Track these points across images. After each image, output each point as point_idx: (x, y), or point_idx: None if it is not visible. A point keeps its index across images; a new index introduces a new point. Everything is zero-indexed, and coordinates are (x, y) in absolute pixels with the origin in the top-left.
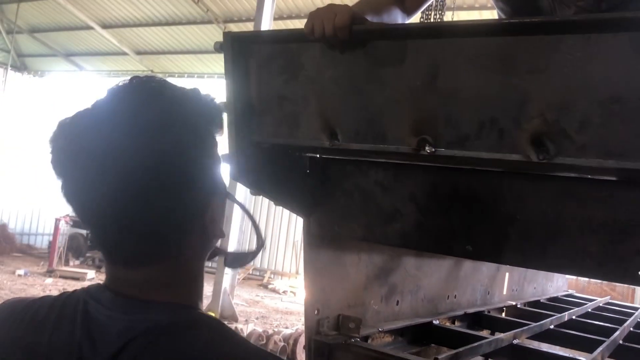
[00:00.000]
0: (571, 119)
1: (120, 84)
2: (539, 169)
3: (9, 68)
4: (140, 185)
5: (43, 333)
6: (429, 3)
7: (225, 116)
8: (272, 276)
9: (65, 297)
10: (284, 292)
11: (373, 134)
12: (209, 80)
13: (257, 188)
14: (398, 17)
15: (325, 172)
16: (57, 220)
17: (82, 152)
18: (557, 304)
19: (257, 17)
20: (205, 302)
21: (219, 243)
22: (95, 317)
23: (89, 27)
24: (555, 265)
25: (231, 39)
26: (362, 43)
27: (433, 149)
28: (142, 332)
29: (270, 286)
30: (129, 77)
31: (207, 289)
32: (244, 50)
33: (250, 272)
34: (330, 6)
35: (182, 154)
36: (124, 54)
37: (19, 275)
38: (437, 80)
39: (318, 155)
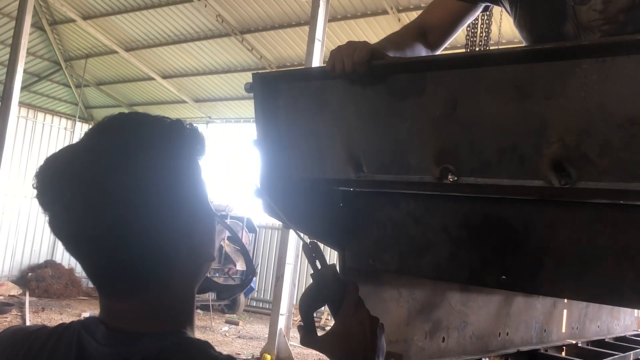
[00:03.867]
0: (591, 142)
1: (105, 119)
2: (565, 195)
3: (77, 119)
4: (122, 219)
5: None
6: (452, 38)
7: (256, 152)
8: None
9: (62, 329)
10: None
11: (397, 165)
12: None
13: (289, 222)
14: (422, 53)
15: (357, 205)
16: None
17: (66, 187)
18: (623, 344)
19: (307, 62)
20: (262, 344)
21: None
22: (89, 352)
23: (150, 78)
24: (591, 295)
25: (260, 79)
26: (381, 77)
27: (455, 178)
28: None
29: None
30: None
31: (263, 330)
32: (272, 89)
33: None
34: (350, 43)
35: (163, 184)
36: (183, 102)
37: (85, 318)
38: (457, 109)
39: (351, 189)
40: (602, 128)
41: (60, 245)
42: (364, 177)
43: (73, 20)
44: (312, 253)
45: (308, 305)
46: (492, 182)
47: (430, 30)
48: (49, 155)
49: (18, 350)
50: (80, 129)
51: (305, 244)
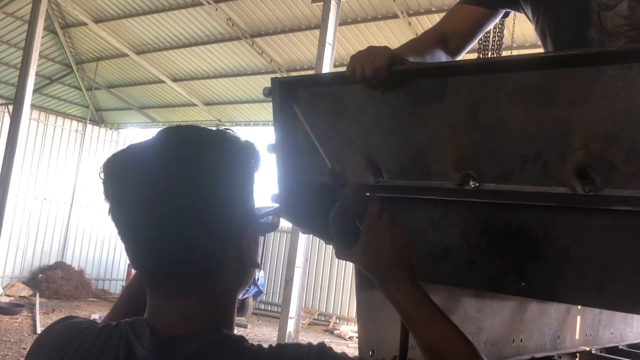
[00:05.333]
0: (616, 149)
1: (172, 127)
2: (589, 202)
3: (88, 122)
4: (186, 209)
5: None
6: (472, 44)
7: (274, 157)
8: (337, 321)
9: (111, 328)
10: (349, 337)
11: (417, 171)
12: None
13: (307, 227)
14: (442, 59)
15: None
16: (129, 266)
17: (129, 181)
18: (637, 351)
19: (317, 66)
20: None
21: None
22: (135, 354)
23: (161, 81)
24: (613, 303)
25: (278, 84)
26: (402, 82)
27: (477, 184)
28: None
29: (335, 332)
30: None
31: (272, 333)
32: (290, 94)
33: (316, 317)
34: (370, 48)
35: (226, 185)
36: (193, 105)
37: (94, 319)
38: (479, 115)
39: (368, 194)
40: (628, 135)
41: (70, 247)
42: (384, 182)
43: (85, 24)
44: (337, 175)
45: (337, 220)
46: (514, 188)
47: (450, 36)
48: (116, 152)
49: (69, 347)
50: (91, 132)
51: (328, 169)
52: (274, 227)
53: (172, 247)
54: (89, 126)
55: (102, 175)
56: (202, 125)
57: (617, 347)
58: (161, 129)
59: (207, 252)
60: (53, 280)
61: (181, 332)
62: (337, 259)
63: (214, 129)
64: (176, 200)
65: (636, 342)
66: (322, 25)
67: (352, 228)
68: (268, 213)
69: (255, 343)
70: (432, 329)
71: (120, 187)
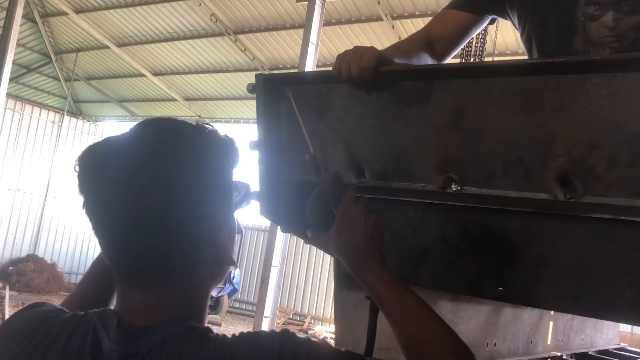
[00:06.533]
0: (598, 157)
1: (149, 120)
2: (569, 209)
3: (65, 113)
4: (164, 205)
5: (51, 353)
6: (458, 49)
7: (254, 155)
8: (312, 321)
9: (78, 318)
10: (324, 338)
11: (399, 172)
12: (255, 125)
13: (287, 225)
14: (428, 62)
15: None
16: None
17: (106, 174)
18: (606, 357)
19: (300, 65)
20: None
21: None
22: (101, 346)
23: (141, 75)
24: (589, 310)
25: (263, 81)
26: (387, 83)
27: (459, 187)
28: (142, 356)
29: (310, 331)
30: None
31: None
32: (275, 91)
33: (291, 317)
34: (357, 48)
35: (205, 182)
36: (173, 99)
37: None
38: (463, 119)
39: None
40: (610, 143)
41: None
42: (366, 183)
43: (65, 14)
44: (317, 161)
45: (314, 205)
46: (495, 193)
47: (436, 40)
48: (91, 144)
49: (34, 336)
50: (68, 123)
51: (309, 153)
52: (249, 199)
53: (147, 242)
54: (66, 118)
55: (77, 168)
56: (181, 119)
57: (587, 352)
58: (139, 121)
59: (183, 248)
60: (24, 273)
61: (148, 323)
62: (313, 260)
63: (193, 123)
64: (153, 195)
65: (605, 348)
66: (306, 25)
67: (328, 213)
68: (244, 198)
69: (221, 333)
70: (401, 307)
71: (96, 181)
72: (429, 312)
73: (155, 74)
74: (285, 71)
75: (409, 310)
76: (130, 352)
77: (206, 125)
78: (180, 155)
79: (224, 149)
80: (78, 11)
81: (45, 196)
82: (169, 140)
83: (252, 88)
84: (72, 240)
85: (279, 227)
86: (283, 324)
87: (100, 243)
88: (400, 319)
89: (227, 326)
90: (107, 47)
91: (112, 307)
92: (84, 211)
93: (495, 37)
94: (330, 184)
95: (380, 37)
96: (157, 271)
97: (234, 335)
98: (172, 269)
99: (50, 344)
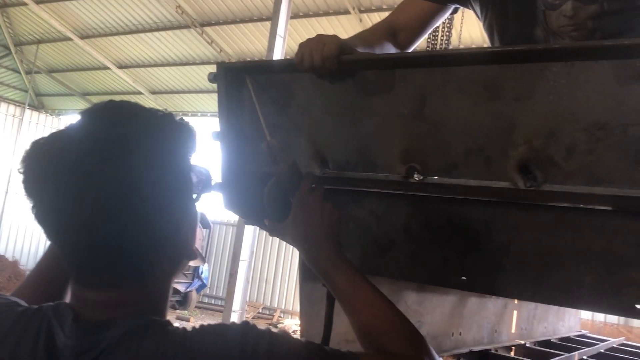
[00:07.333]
0: (558, 145)
1: (95, 107)
2: (531, 197)
3: (27, 107)
4: (110, 211)
5: (5, 345)
6: (421, 39)
7: (217, 145)
8: (281, 315)
9: (31, 312)
10: (293, 331)
11: (363, 162)
12: None
13: (250, 218)
14: (391, 51)
15: None
16: None
17: (53, 174)
18: (568, 344)
19: (267, 57)
20: None
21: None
22: (55, 342)
23: (106, 67)
24: (550, 297)
25: (224, 70)
26: (350, 73)
27: (421, 177)
28: (99, 352)
29: (279, 325)
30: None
31: None
32: (236, 80)
33: (260, 311)
34: (320, 36)
35: (158, 179)
36: (139, 93)
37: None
38: (425, 108)
39: (313, 185)
40: (569, 132)
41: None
42: (329, 173)
43: (25, 4)
44: (273, 150)
45: (271, 194)
46: (457, 182)
47: (400, 29)
48: (35, 140)
49: None
50: (30, 117)
51: (267, 142)
52: (210, 186)
53: (105, 247)
54: (28, 111)
55: (24, 167)
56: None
57: (549, 340)
58: (88, 108)
59: (141, 247)
60: None
61: (106, 318)
62: (283, 253)
63: (147, 107)
64: (105, 194)
65: (567, 335)
66: (273, 17)
67: (285, 203)
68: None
69: (181, 326)
70: (356, 295)
71: (43, 186)
72: (384, 301)
73: (120, 67)
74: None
75: (363, 298)
76: (86, 348)
77: (160, 110)
78: (130, 154)
79: (179, 133)
80: (38, 2)
81: (6, 192)
82: (118, 138)
83: (213, 77)
84: (35, 237)
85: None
86: (252, 318)
87: (57, 248)
88: (355, 306)
89: (195, 321)
90: (70, 39)
91: (67, 301)
92: (33, 216)
93: (461, 31)
94: (288, 173)
95: (347, 30)
96: (114, 272)
97: (194, 328)
98: (130, 268)
99: (2, 339)
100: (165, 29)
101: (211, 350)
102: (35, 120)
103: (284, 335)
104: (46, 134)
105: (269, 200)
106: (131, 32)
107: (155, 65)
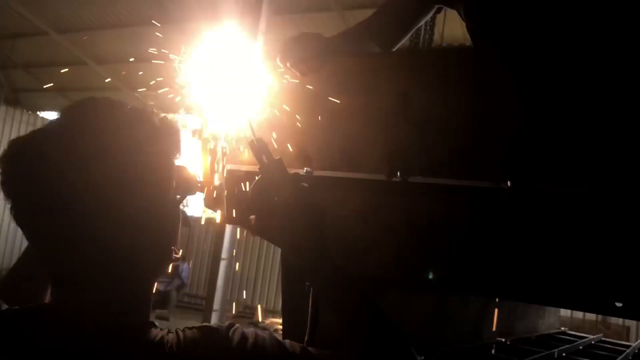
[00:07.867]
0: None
1: (74, 105)
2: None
3: (2, 103)
4: (94, 211)
5: None
6: (405, 38)
7: (198, 143)
8: (263, 314)
9: (11, 314)
10: (275, 330)
11: (346, 162)
12: None
13: (231, 217)
14: (375, 51)
15: None
16: None
17: (38, 175)
18: (548, 341)
19: None
20: None
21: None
22: (30, 346)
23: (84, 63)
24: (529, 296)
25: None
26: (333, 72)
27: (405, 177)
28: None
29: (260, 324)
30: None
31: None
32: None
33: (241, 310)
34: (302, 35)
35: (140, 180)
36: (119, 89)
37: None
38: (408, 107)
39: (298, 185)
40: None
41: None
42: (312, 173)
43: None
44: (259, 149)
45: (256, 196)
46: (441, 182)
47: (383, 29)
48: (14, 139)
49: None
50: (5, 113)
51: (252, 141)
52: (192, 189)
53: (83, 248)
54: (3, 107)
55: (2, 167)
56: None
57: (529, 337)
58: (68, 106)
59: (120, 252)
60: None
61: (87, 320)
62: (264, 252)
63: (128, 106)
64: (86, 202)
65: (547, 332)
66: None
67: (270, 203)
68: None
69: (166, 330)
70: (339, 296)
71: (24, 187)
72: (366, 303)
73: (100, 63)
74: None
75: (346, 299)
76: (63, 353)
77: (142, 108)
78: (111, 154)
79: (160, 132)
80: None
81: None
82: (98, 138)
83: None
84: (11, 235)
85: None
86: (233, 317)
87: (34, 249)
88: (340, 308)
89: (175, 321)
90: (47, 33)
91: (45, 302)
92: (12, 216)
93: (443, 30)
94: (273, 172)
95: (329, 28)
96: (93, 277)
97: (177, 332)
98: (109, 274)
99: None
100: (146, 24)
101: (201, 355)
102: (12, 116)
103: (268, 336)
104: (23, 131)
105: (254, 201)
106: (111, 27)
107: (136, 61)
